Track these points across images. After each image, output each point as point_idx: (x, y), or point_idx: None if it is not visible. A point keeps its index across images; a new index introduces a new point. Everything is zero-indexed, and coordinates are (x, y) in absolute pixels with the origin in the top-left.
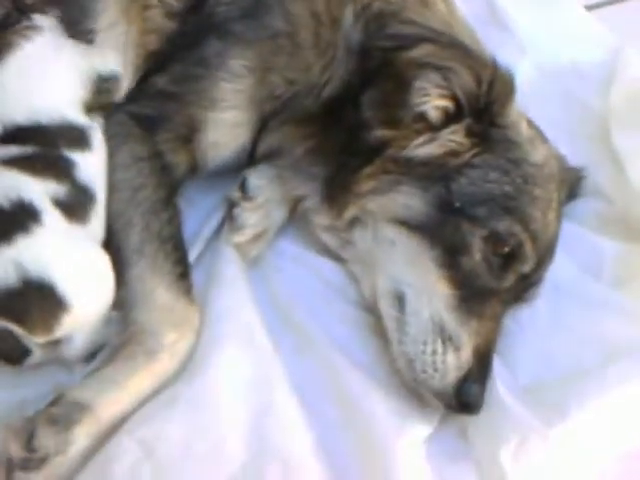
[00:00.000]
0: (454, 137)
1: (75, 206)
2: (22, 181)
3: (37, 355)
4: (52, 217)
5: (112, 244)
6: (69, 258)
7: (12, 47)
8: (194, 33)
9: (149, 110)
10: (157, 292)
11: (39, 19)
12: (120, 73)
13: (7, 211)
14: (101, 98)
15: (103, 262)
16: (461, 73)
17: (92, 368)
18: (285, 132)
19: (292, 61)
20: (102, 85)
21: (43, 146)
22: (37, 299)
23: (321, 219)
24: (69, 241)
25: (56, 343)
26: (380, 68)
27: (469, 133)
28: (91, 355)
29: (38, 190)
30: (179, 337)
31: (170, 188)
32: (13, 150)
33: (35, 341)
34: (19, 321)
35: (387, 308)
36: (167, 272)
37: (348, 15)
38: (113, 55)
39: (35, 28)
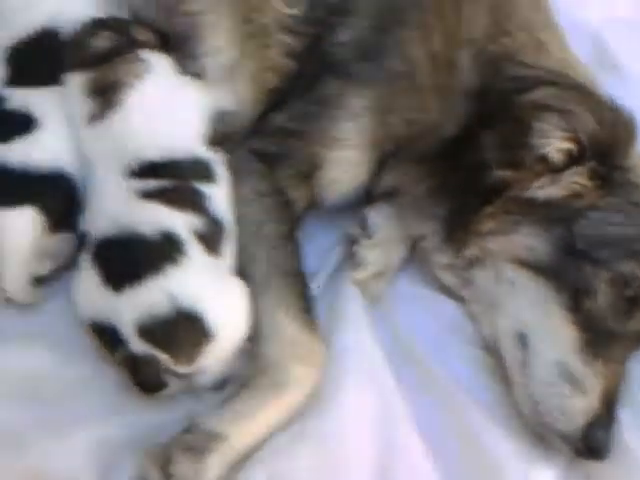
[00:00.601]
0: (577, 179)
1: (211, 238)
2: (165, 213)
3: (173, 388)
4: (195, 248)
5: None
6: (214, 289)
7: (129, 86)
8: (312, 72)
9: (270, 147)
10: (283, 325)
11: (146, 54)
12: (237, 109)
13: (155, 242)
14: (221, 133)
15: (242, 293)
16: (583, 115)
17: (222, 397)
18: (404, 171)
19: (411, 102)
20: (221, 120)
21: (176, 179)
22: (185, 328)
23: (441, 258)
24: (212, 272)
25: (191, 373)
26: (499, 110)
27: (592, 175)
28: (221, 385)
29: (181, 222)
30: (306, 371)
31: (292, 223)
32: (152, 184)
33: (176, 370)
34: (166, 349)
35: (509, 349)
36: (292, 305)
37: (465, 58)
38: (231, 91)
39: (144, 63)
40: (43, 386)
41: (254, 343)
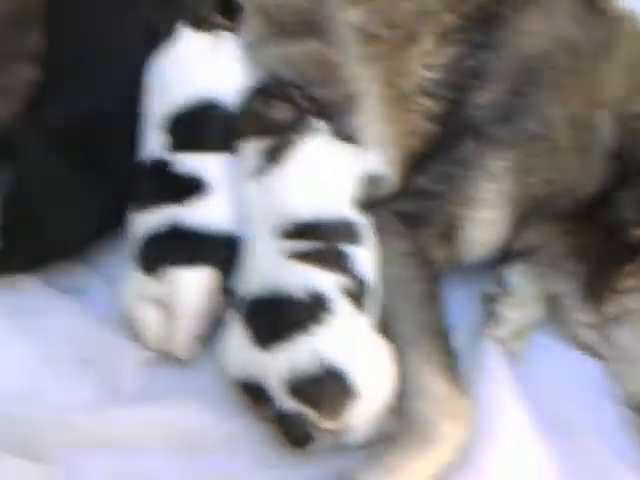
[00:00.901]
0: None
1: (357, 297)
2: (315, 274)
3: (321, 443)
4: (342, 307)
5: (381, 334)
6: (359, 348)
7: (292, 149)
8: (452, 135)
9: (411, 208)
10: (432, 383)
11: (315, 122)
12: (385, 173)
13: (305, 303)
14: (369, 196)
15: (386, 352)
16: None
17: (370, 452)
18: (542, 230)
19: (549, 163)
20: (370, 184)
21: (325, 240)
22: (331, 386)
23: (579, 316)
24: (358, 331)
25: (338, 429)
26: (638, 170)
27: None
28: (369, 440)
29: (328, 282)
30: (454, 428)
31: (435, 282)
32: (304, 245)
33: (324, 427)
34: (314, 406)
35: None
36: (439, 363)
37: (603, 118)
38: (378, 156)
39: (312, 130)
40: (198, 440)
41: (401, 400)
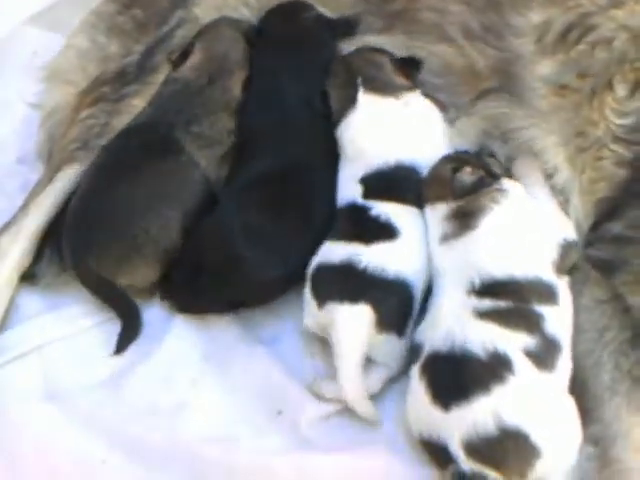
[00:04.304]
0: None
1: (544, 356)
2: (498, 333)
3: None
4: (524, 367)
5: (580, 381)
6: (541, 407)
7: (486, 209)
8: None
9: (606, 254)
10: (634, 431)
11: (506, 183)
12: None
13: (485, 362)
14: (566, 261)
15: (571, 408)
16: None
17: None
18: None
19: None
20: (568, 249)
21: (515, 300)
22: (511, 447)
23: None
24: (540, 390)
25: None
26: None
27: None
28: None
29: (512, 342)
30: None
31: (634, 329)
32: (488, 303)
33: None
34: (496, 467)
35: None
36: None
37: None
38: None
39: (503, 191)
40: None
41: (601, 447)
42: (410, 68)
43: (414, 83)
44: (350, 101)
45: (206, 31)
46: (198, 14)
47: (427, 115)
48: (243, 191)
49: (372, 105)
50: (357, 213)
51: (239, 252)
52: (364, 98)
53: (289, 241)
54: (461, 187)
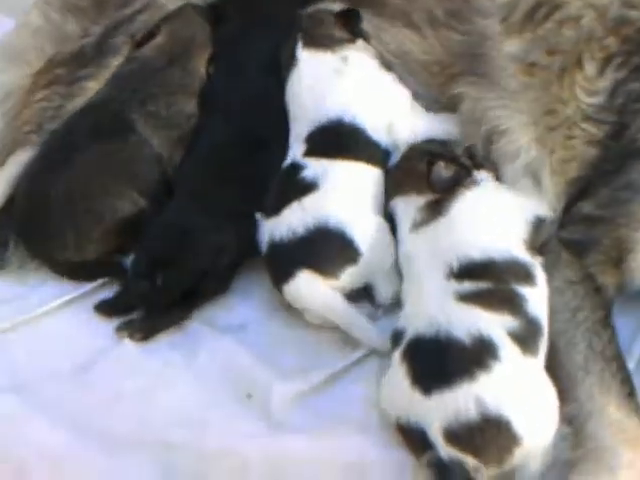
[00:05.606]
0: None
1: (528, 339)
2: (481, 317)
3: None
4: (510, 351)
5: (554, 361)
6: (523, 393)
7: (458, 195)
8: (616, 159)
9: (577, 235)
10: (609, 410)
11: (478, 174)
12: (548, 216)
13: (468, 347)
14: (538, 238)
15: (551, 392)
16: None
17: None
18: None
19: None
20: (538, 226)
21: (494, 281)
22: (492, 434)
23: None
24: (524, 376)
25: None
26: None
27: None
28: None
29: (497, 325)
30: (637, 455)
31: (605, 309)
32: (468, 286)
33: (489, 473)
34: (475, 453)
35: None
36: (616, 391)
37: None
38: (538, 190)
39: (475, 181)
40: (363, 471)
41: (575, 425)
42: (351, 19)
43: (356, 34)
44: (292, 57)
45: (174, 15)
46: (164, 1)
47: (368, 72)
48: (197, 160)
49: (310, 60)
50: (287, 175)
51: (191, 222)
52: (303, 54)
53: (239, 210)
54: (439, 182)
